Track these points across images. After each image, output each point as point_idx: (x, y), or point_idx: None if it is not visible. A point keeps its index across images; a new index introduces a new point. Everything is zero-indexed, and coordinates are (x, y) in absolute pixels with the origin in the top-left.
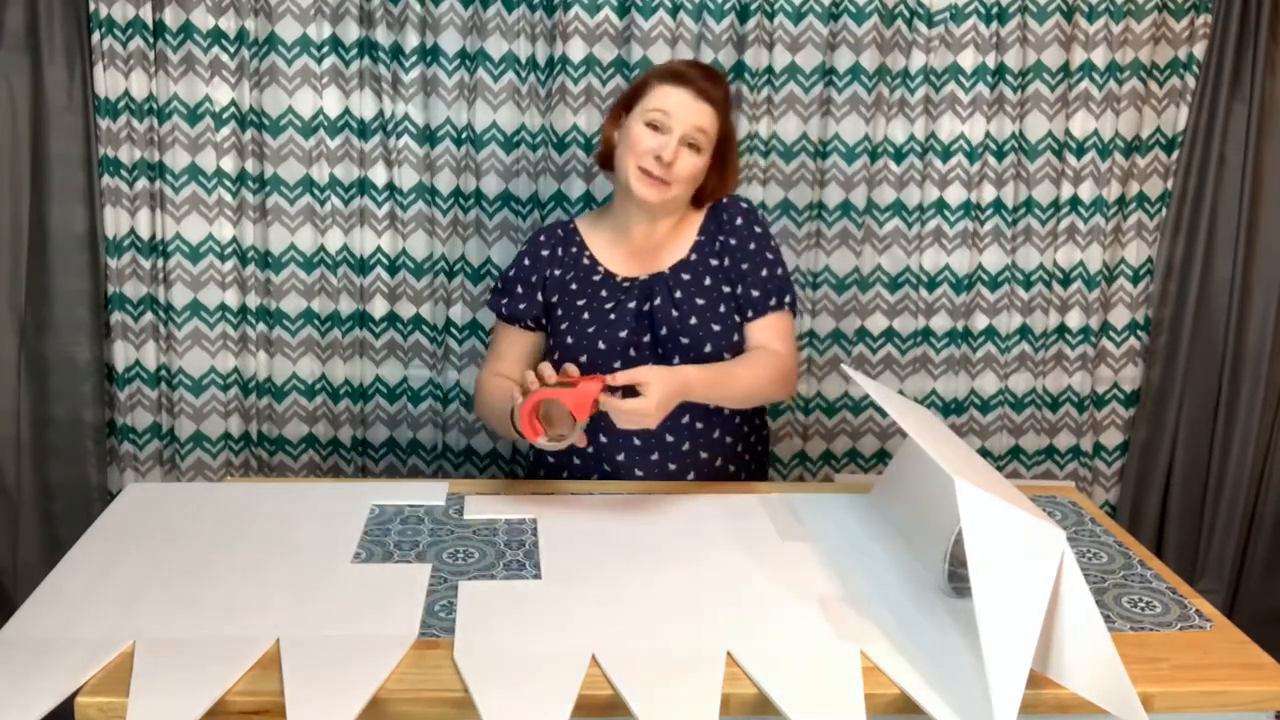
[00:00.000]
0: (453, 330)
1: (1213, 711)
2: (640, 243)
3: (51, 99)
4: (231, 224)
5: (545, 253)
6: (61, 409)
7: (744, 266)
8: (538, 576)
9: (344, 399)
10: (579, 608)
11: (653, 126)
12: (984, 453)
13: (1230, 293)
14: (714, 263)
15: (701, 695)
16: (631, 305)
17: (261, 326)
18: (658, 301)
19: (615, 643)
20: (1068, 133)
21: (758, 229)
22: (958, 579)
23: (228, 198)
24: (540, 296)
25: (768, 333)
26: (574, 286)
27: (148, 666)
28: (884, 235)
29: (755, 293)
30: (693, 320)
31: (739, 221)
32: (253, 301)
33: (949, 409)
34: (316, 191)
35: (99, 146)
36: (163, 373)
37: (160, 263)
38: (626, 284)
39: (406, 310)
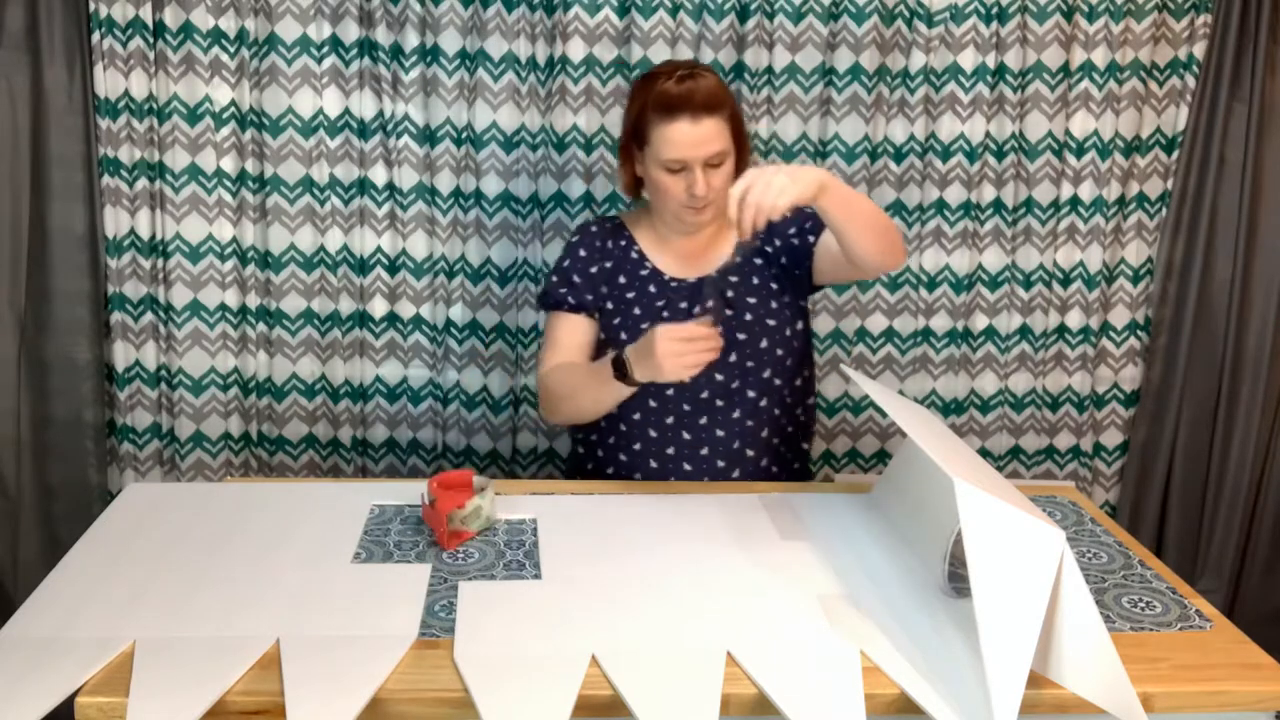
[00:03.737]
0: (453, 330)
1: (1213, 711)
2: (688, 248)
3: (51, 99)
4: (231, 224)
5: (598, 243)
6: (61, 409)
7: (790, 228)
8: (538, 576)
9: (344, 399)
10: (579, 608)
11: (673, 171)
12: (984, 453)
13: (1230, 293)
14: (758, 262)
15: (701, 695)
16: (682, 305)
17: (261, 326)
18: (710, 304)
19: (615, 643)
20: (1068, 133)
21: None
22: (958, 579)
23: (228, 198)
24: (594, 285)
25: None
26: (622, 280)
27: (148, 666)
28: None
29: (808, 224)
30: (748, 316)
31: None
32: (253, 301)
33: (949, 409)
34: (316, 191)
35: (99, 146)
36: (163, 373)
37: (160, 263)
38: (674, 284)
39: (406, 310)
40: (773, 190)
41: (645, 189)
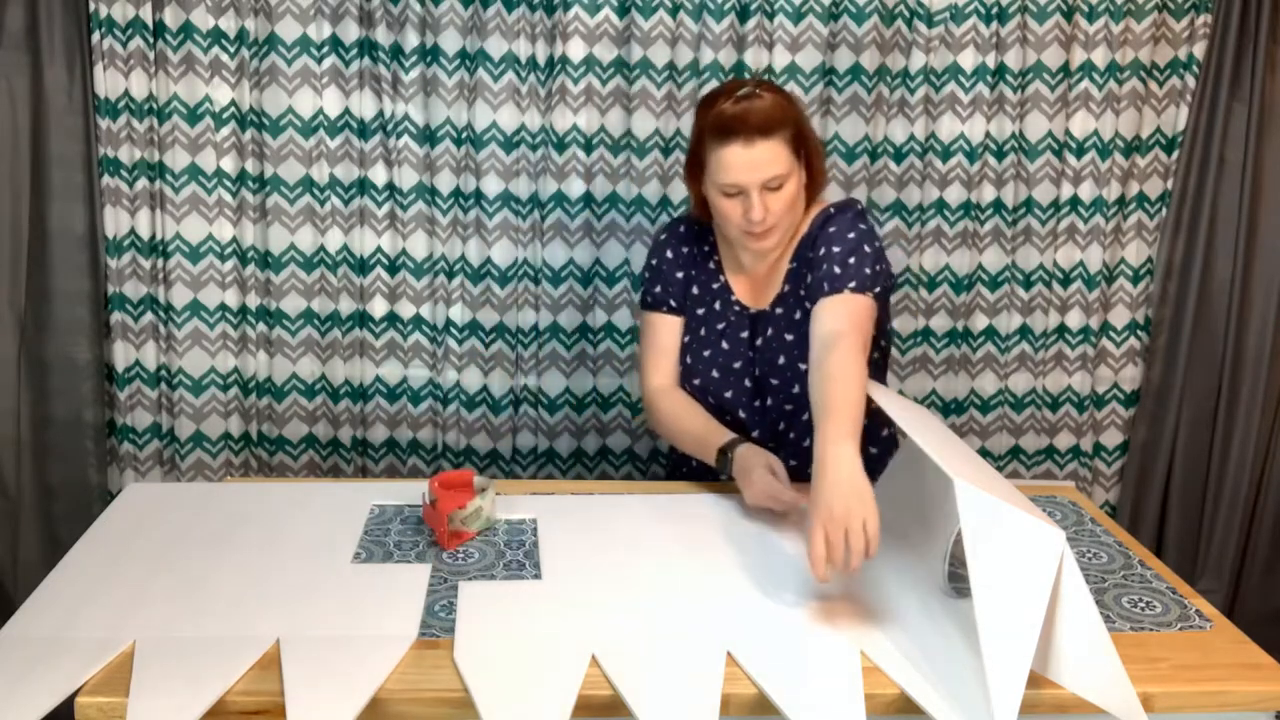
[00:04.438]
0: (452, 330)
1: (1213, 711)
2: (756, 274)
3: (51, 99)
4: (231, 224)
5: (684, 248)
6: (61, 409)
7: (817, 270)
8: (538, 576)
9: (344, 399)
10: (579, 608)
11: (729, 195)
12: (984, 453)
13: (1230, 293)
14: (801, 293)
15: (701, 695)
16: (744, 335)
17: (261, 326)
18: (759, 341)
19: (615, 643)
20: (1068, 133)
21: (832, 228)
22: (958, 579)
23: (228, 198)
24: (681, 289)
25: (821, 314)
26: (696, 290)
27: (148, 666)
28: (884, 235)
29: (817, 281)
30: (781, 360)
31: (818, 233)
32: (253, 301)
33: (949, 409)
34: (316, 191)
35: (99, 146)
36: (163, 373)
37: (160, 263)
38: (738, 307)
39: (406, 310)
40: (856, 538)
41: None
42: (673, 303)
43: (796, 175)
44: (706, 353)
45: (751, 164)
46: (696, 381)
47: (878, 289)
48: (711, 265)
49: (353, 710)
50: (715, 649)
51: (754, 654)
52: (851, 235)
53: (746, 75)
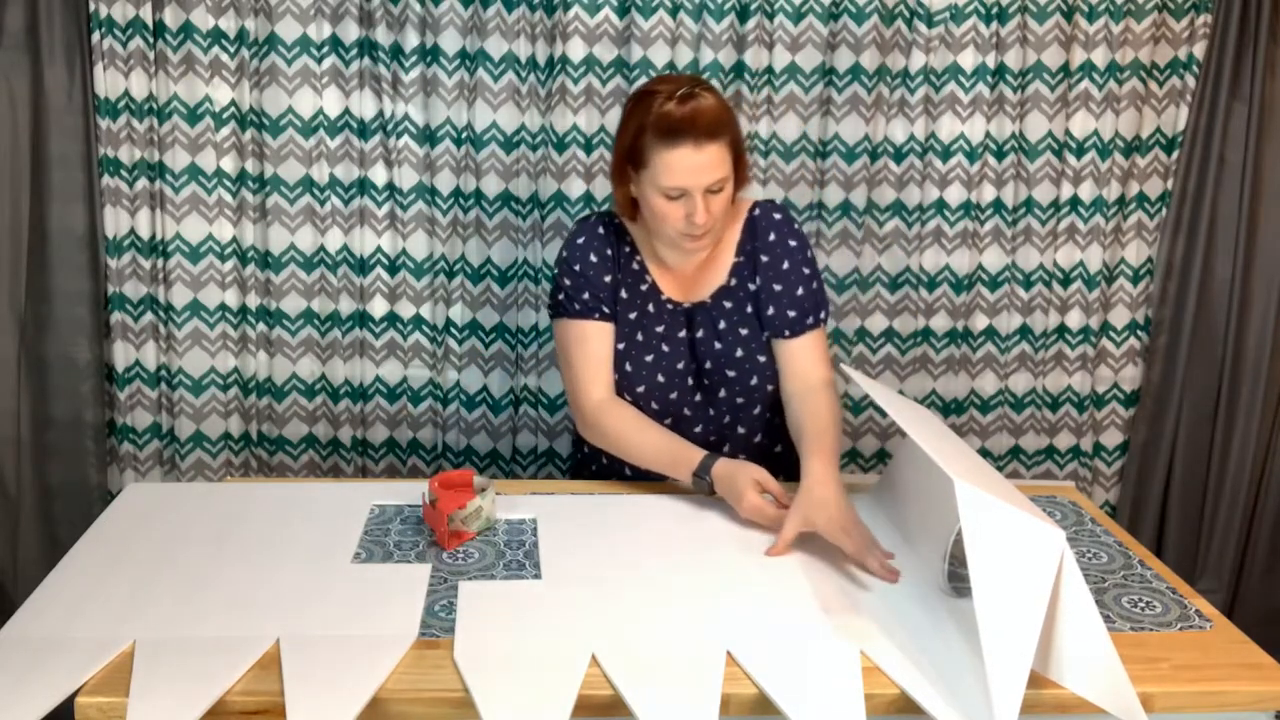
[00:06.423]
0: (452, 330)
1: (1213, 711)
2: (685, 270)
3: (51, 99)
4: (231, 224)
5: (608, 251)
6: (61, 409)
7: (776, 288)
8: (538, 576)
9: (344, 399)
10: (579, 608)
11: (671, 198)
12: (984, 453)
13: (1230, 293)
14: (751, 287)
15: (701, 695)
16: (682, 334)
17: (261, 326)
18: (700, 334)
19: (615, 643)
20: (1068, 133)
21: (792, 242)
22: (958, 579)
23: (228, 198)
24: (609, 293)
25: (808, 355)
26: (624, 295)
27: (148, 666)
28: (884, 235)
29: (792, 313)
30: (739, 353)
31: (772, 237)
32: (253, 301)
33: (949, 409)
34: (316, 191)
35: (99, 146)
36: (163, 373)
37: (160, 263)
38: (671, 306)
39: (406, 310)
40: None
41: (642, 209)
42: (605, 309)
43: (731, 179)
44: (649, 357)
45: (699, 167)
46: (640, 389)
47: (829, 306)
48: (635, 266)
49: (353, 710)
50: (715, 649)
51: (754, 654)
52: (801, 256)
53: (746, 75)
